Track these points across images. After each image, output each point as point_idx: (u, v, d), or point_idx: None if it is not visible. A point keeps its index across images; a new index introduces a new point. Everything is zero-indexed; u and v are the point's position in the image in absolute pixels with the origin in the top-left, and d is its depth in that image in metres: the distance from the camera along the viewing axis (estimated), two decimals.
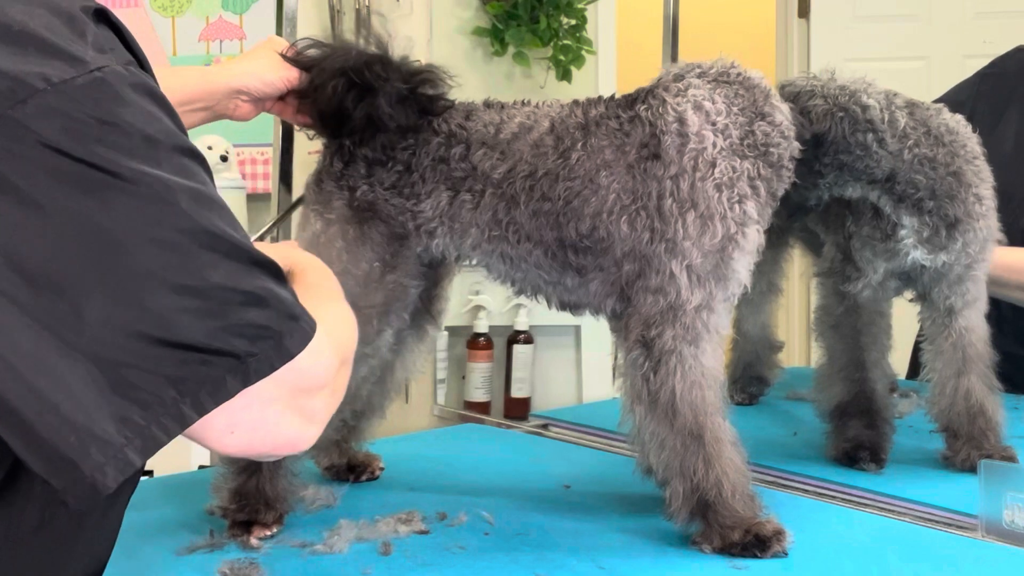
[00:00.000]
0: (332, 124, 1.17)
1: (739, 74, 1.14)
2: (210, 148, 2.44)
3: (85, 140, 0.62)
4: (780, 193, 1.14)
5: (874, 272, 1.39)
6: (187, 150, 0.68)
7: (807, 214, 1.51)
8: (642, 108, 1.12)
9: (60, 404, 0.60)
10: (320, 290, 0.87)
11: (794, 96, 1.27)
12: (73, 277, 0.61)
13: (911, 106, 1.30)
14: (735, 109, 1.11)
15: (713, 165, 1.07)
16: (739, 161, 1.09)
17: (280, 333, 0.67)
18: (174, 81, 1.18)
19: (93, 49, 0.65)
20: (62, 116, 0.62)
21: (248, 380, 0.65)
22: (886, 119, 1.27)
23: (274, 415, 0.69)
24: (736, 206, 1.07)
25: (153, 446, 0.62)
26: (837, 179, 1.30)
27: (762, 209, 1.11)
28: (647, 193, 1.08)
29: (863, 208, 1.38)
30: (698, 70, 1.15)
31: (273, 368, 0.66)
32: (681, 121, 1.09)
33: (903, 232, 1.34)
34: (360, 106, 1.13)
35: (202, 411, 0.64)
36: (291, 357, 0.67)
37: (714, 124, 1.09)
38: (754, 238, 1.09)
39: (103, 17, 0.70)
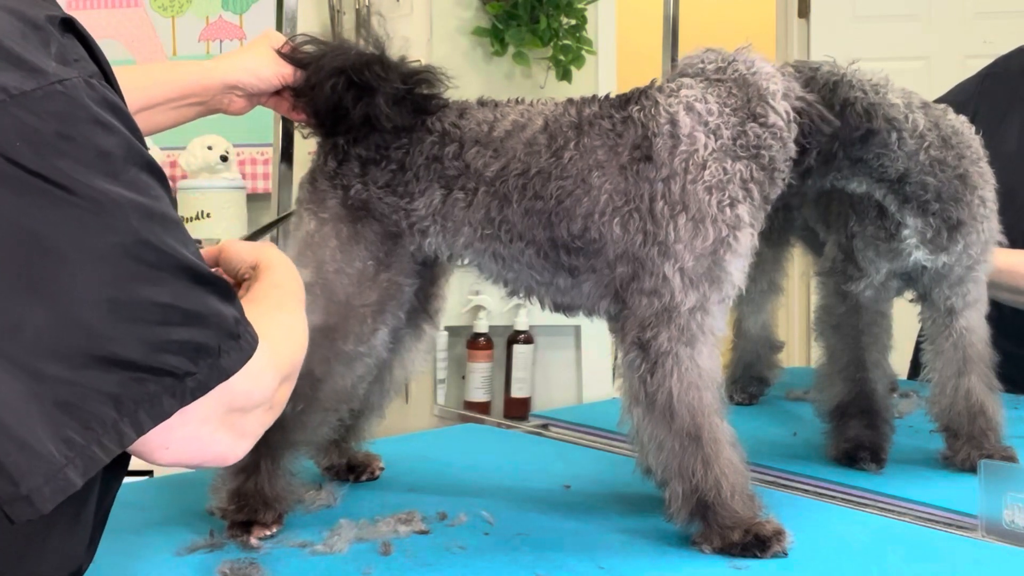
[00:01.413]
0: (328, 122, 1.17)
1: (736, 71, 1.13)
2: (210, 148, 2.44)
3: (41, 152, 0.62)
4: (774, 196, 1.14)
5: (876, 272, 1.39)
6: (145, 164, 0.68)
7: (803, 202, 1.50)
8: (635, 109, 1.11)
9: (1, 415, 0.59)
10: (277, 295, 0.87)
11: (833, 84, 1.24)
12: (12, 286, 0.61)
13: (925, 107, 1.30)
14: (727, 109, 1.10)
15: (704, 167, 1.07)
16: (731, 163, 1.08)
17: (219, 352, 0.67)
18: (168, 76, 1.18)
19: (56, 60, 0.65)
20: (19, 127, 0.62)
21: (185, 400, 0.66)
22: (909, 119, 1.26)
23: (208, 432, 0.70)
24: (727, 209, 1.07)
25: (93, 467, 0.62)
26: (850, 172, 1.28)
27: (755, 212, 1.10)
28: (639, 195, 1.08)
29: (866, 208, 1.38)
30: (699, 64, 1.14)
31: (209, 388, 0.67)
32: (673, 123, 1.09)
33: (906, 232, 1.34)
34: (359, 105, 1.13)
35: (140, 431, 0.64)
36: (228, 376, 0.68)
37: (706, 124, 1.09)
38: (747, 241, 1.09)
39: (70, 27, 0.69)
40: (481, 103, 1.20)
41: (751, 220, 1.09)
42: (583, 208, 1.09)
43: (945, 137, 1.29)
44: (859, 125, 1.21)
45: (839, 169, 1.27)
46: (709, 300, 1.07)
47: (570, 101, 1.16)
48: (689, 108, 1.09)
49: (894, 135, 1.25)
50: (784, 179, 1.13)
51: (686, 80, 1.13)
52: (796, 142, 1.14)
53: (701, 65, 1.14)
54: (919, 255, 1.35)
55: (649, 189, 1.08)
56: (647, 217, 1.07)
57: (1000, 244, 1.39)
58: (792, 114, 1.13)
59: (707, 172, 1.07)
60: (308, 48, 1.18)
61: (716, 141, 1.08)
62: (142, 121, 1.15)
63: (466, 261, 1.20)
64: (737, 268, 1.09)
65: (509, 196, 1.12)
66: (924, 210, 1.31)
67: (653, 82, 1.15)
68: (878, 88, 1.25)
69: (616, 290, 1.11)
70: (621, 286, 1.10)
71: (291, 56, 1.17)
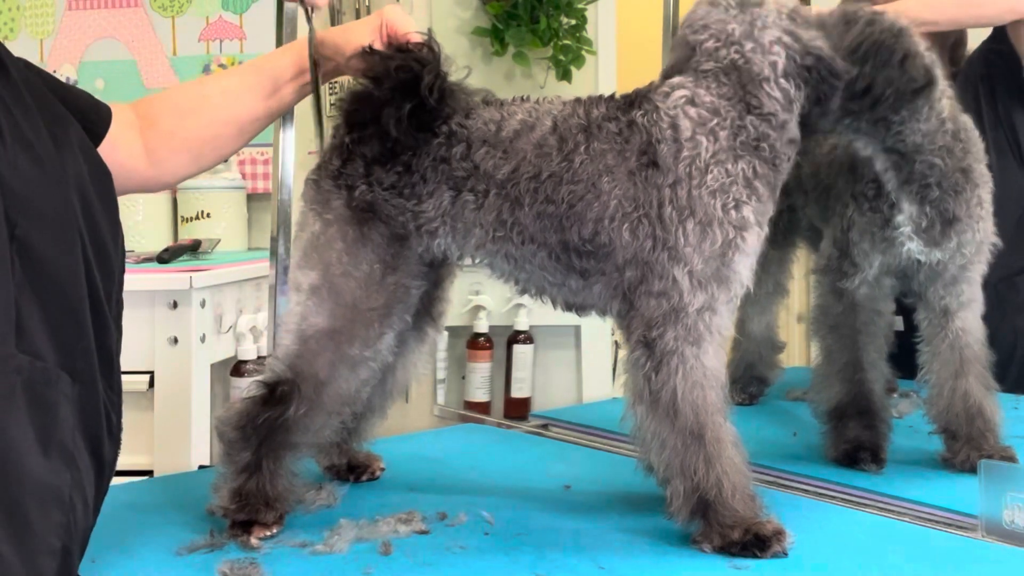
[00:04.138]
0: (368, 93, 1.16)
1: (726, 57, 1.11)
2: None
3: None
4: (780, 183, 1.13)
5: (870, 267, 1.39)
6: None
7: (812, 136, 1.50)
8: (639, 114, 1.11)
9: None
10: None
11: (898, 31, 1.24)
12: None
13: (951, 96, 1.32)
14: (723, 104, 1.09)
15: (707, 171, 1.07)
16: (733, 164, 1.08)
17: None
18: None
19: None
20: None
21: None
22: (940, 99, 1.27)
23: None
24: (732, 211, 1.07)
25: None
26: (869, 130, 1.29)
27: (762, 208, 1.11)
28: (648, 201, 1.08)
29: (865, 192, 1.38)
30: (700, 37, 1.13)
31: None
32: (674, 127, 1.09)
33: (900, 219, 1.35)
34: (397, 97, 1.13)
35: None
36: None
37: (704, 126, 1.08)
38: (753, 241, 1.09)
39: None
40: (486, 102, 1.19)
41: (757, 219, 1.09)
42: (594, 213, 1.09)
43: (957, 130, 1.31)
44: (918, 77, 1.23)
45: (857, 115, 1.26)
46: (717, 300, 1.08)
47: (578, 101, 1.16)
48: (686, 112, 1.09)
49: (926, 107, 1.26)
50: (789, 160, 1.13)
51: (676, 80, 1.12)
52: (809, 97, 1.12)
53: (705, 48, 1.12)
54: (912, 246, 1.35)
55: (657, 195, 1.08)
56: (656, 223, 1.08)
57: (995, 246, 1.39)
58: (795, 84, 1.11)
59: (710, 176, 1.07)
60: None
61: (716, 143, 1.08)
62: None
63: (476, 261, 1.20)
64: (745, 267, 1.09)
65: (521, 199, 1.11)
66: (923, 197, 1.32)
67: (652, 85, 1.15)
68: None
69: (624, 292, 1.11)
70: (629, 289, 1.11)
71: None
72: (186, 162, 1.27)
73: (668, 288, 1.07)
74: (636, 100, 1.13)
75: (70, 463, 0.90)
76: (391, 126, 1.13)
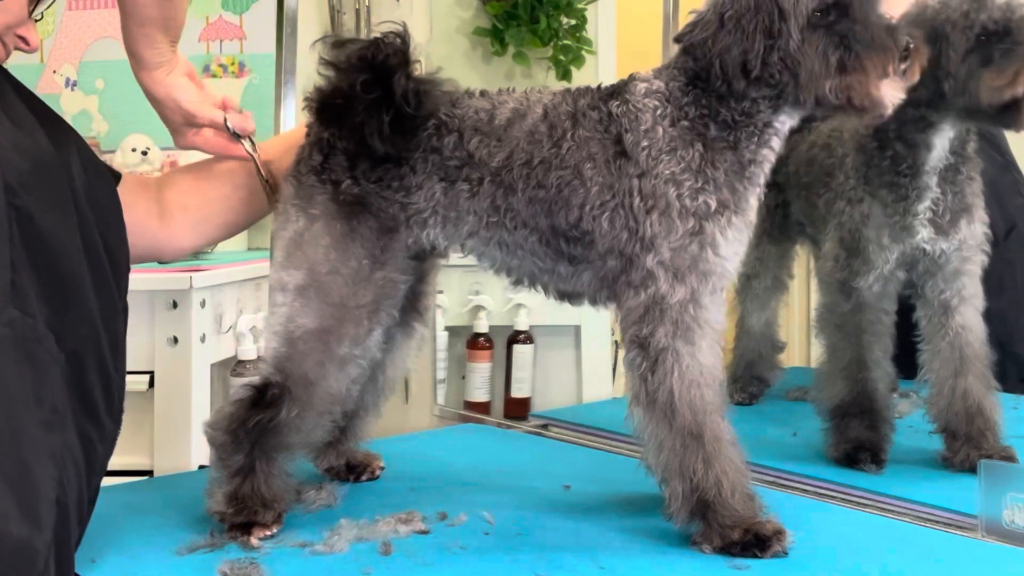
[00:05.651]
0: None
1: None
2: None
3: None
4: (750, 159, 1.09)
5: (886, 262, 1.38)
6: None
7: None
8: (615, 104, 1.12)
9: None
10: None
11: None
12: None
13: None
14: (672, 88, 1.10)
15: (661, 161, 1.07)
16: (685, 150, 1.08)
17: None
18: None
19: None
20: None
21: None
22: None
23: None
24: (688, 200, 1.07)
25: None
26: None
27: (728, 196, 1.08)
28: (623, 190, 1.09)
29: (895, 184, 1.37)
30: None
31: None
32: (637, 118, 1.10)
33: (922, 206, 1.35)
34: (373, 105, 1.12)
35: None
36: None
37: (655, 112, 1.09)
38: (718, 230, 1.07)
39: None
40: (469, 94, 1.19)
41: (720, 205, 1.08)
42: (579, 198, 1.10)
43: None
44: None
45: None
46: (699, 292, 1.07)
47: (567, 91, 1.17)
48: (646, 103, 1.10)
49: None
50: (752, 131, 1.09)
51: (643, 73, 1.14)
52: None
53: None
54: (925, 233, 1.35)
55: (628, 184, 1.09)
56: (629, 213, 1.09)
57: (988, 238, 1.39)
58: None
59: (662, 165, 1.07)
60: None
61: (669, 131, 1.08)
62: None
63: (467, 250, 1.20)
64: (721, 256, 1.08)
65: (514, 185, 1.12)
66: (952, 180, 1.35)
67: (631, 77, 1.15)
68: None
69: (609, 282, 1.12)
70: (612, 279, 1.11)
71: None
72: (194, 222, 1.29)
73: (645, 279, 1.08)
74: (616, 91, 1.14)
75: (62, 424, 0.92)
76: (376, 143, 1.12)
